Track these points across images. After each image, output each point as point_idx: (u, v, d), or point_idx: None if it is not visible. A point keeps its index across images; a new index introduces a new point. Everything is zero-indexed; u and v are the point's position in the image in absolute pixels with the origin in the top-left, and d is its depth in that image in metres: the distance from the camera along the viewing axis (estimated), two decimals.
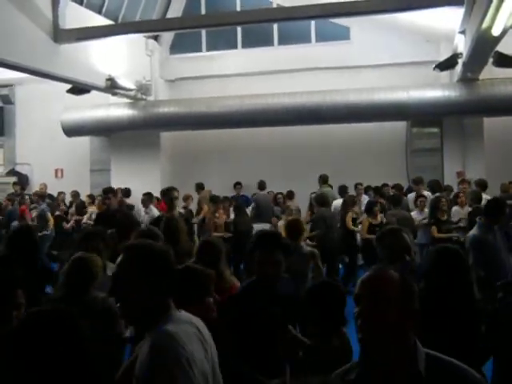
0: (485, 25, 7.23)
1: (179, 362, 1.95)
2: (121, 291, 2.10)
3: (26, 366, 1.81)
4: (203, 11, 13.90)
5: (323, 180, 10.59)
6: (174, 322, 2.07)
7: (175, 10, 13.71)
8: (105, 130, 13.49)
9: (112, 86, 11.40)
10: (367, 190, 11.37)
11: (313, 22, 13.29)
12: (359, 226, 8.99)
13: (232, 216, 10.35)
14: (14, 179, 14.34)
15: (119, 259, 2.16)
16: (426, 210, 8.82)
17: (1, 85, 14.85)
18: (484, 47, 8.54)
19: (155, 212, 9.06)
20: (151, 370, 1.93)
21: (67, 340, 1.87)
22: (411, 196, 10.17)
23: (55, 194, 13.27)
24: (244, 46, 13.88)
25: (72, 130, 13.28)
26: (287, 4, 11.62)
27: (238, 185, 12.80)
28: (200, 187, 12.14)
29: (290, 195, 11.45)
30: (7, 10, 8.60)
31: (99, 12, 11.49)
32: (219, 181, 12.86)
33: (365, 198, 10.95)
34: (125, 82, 11.79)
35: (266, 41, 13.70)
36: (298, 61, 12.88)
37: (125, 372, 2.25)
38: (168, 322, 2.06)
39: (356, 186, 11.20)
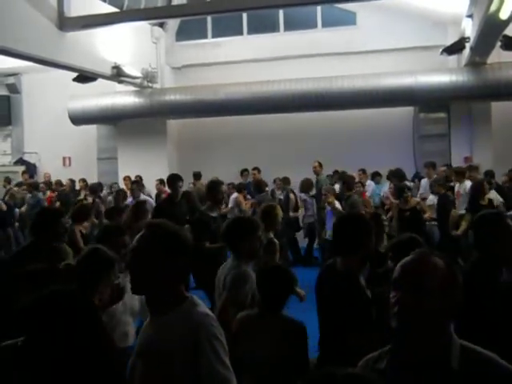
0: (492, 8, 7.16)
1: (219, 337, 2.04)
2: (142, 266, 2.06)
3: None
4: None
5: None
6: (201, 306, 2.11)
7: None
8: (111, 118, 13.50)
9: (118, 74, 11.38)
10: (374, 176, 11.37)
11: (319, 8, 13.17)
12: None
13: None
14: (22, 168, 14.43)
15: (139, 235, 2.12)
16: None
17: (7, 74, 14.87)
18: (492, 31, 8.46)
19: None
20: (192, 345, 1.97)
21: (85, 319, 1.80)
22: (424, 181, 10.02)
23: (64, 182, 13.27)
24: (250, 32, 13.79)
25: (79, 119, 13.31)
26: None
27: (245, 171, 12.79)
28: (197, 177, 12.34)
29: None
30: None
31: None
32: (226, 168, 12.86)
33: (370, 184, 10.97)
34: (131, 69, 11.76)
35: (272, 27, 13.60)
36: (304, 47, 12.81)
37: None
38: (194, 305, 2.09)
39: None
